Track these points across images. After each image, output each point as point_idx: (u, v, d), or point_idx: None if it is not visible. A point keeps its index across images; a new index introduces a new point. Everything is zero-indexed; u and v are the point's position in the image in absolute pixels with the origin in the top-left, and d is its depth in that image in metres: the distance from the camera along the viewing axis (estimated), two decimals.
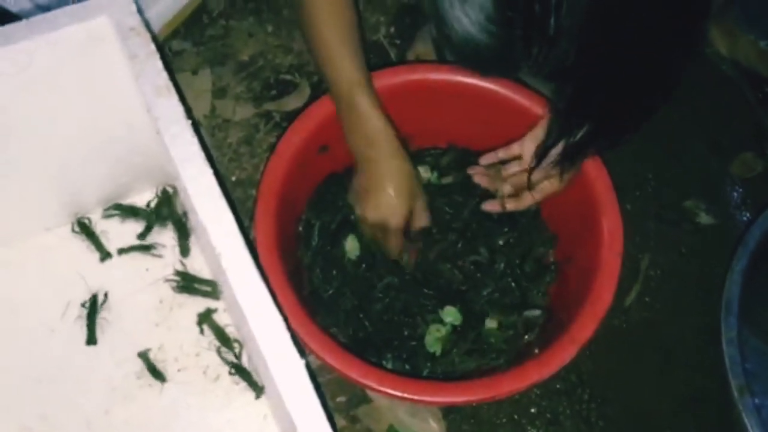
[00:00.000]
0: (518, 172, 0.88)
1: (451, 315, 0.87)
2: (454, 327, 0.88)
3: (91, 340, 0.86)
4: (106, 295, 0.88)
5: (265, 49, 1.08)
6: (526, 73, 0.58)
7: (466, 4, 0.54)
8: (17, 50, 0.66)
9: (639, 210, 1.01)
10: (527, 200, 0.88)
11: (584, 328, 0.79)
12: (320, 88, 1.06)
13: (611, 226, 0.84)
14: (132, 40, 0.67)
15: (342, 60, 0.80)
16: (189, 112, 0.64)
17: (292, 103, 1.05)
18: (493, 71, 0.60)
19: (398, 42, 1.09)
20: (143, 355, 0.84)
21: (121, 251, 0.90)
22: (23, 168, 0.80)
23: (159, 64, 0.66)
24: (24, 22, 0.66)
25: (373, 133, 0.81)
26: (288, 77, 1.07)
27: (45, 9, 0.69)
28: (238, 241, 0.60)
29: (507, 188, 0.90)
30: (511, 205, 0.90)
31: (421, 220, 0.87)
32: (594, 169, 0.86)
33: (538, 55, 0.53)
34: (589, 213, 0.86)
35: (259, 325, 0.58)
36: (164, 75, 0.66)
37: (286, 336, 0.57)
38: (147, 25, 0.68)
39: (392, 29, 1.10)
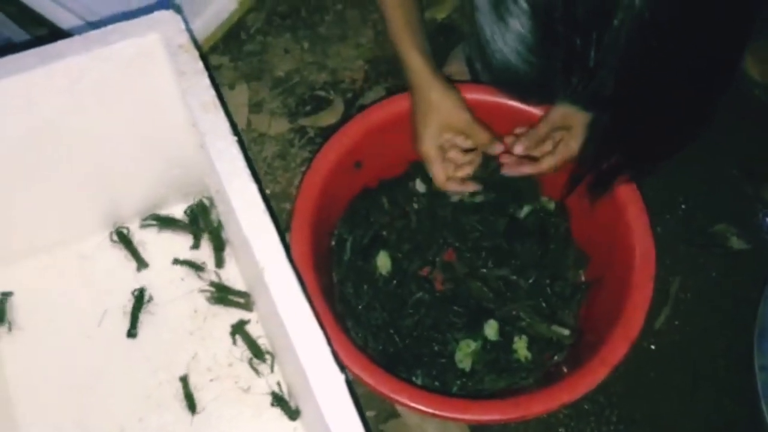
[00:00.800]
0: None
1: (493, 329, 0.88)
2: (484, 344, 0.88)
3: (132, 332, 0.88)
4: (149, 295, 0.91)
5: (300, 66, 1.10)
6: (562, 101, 0.59)
7: (506, 35, 0.55)
8: (70, 65, 0.68)
9: (669, 233, 1.01)
10: (546, 163, 0.85)
11: (615, 350, 0.79)
12: (354, 104, 1.08)
13: (644, 248, 0.85)
14: (180, 57, 0.69)
15: (404, 38, 0.85)
16: (234, 128, 0.66)
17: (326, 119, 1.07)
18: (532, 98, 0.61)
19: None
20: (183, 380, 0.85)
21: (176, 262, 0.92)
22: (67, 177, 0.82)
23: (206, 81, 0.68)
24: (77, 37, 0.69)
25: (419, 79, 0.83)
26: (322, 93, 1.08)
27: (95, 26, 0.71)
28: (281, 255, 0.61)
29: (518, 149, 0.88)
30: (528, 169, 0.87)
31: (478, 137, 0.86)
32: (627, 191, 0.87)
33: (577, 84, 0.55)
34: (622, 235, 0.87)
35: (301, 340, 0.59)
36: (211, 92, 0.67)
37: (327, 351, 0.58)
38: (195, 42, 0.70)
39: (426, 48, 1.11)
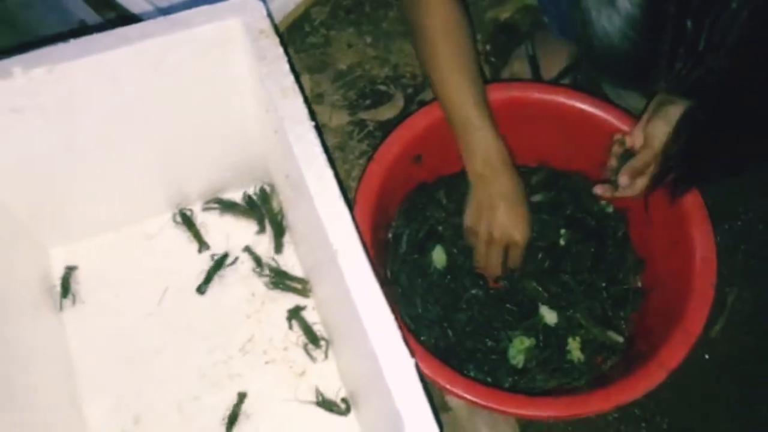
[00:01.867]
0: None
1: (552, 315, 0.89)
2: (537, 342, 0.88)
3: (202, 289, 0.91)
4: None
5: (362, 60, 1.11)
6: (661, 88, 0.57)
7: (613, 15, 0.54)
8: (155, 46, 0.70)
9: (728, 243, 1.01)
10: (639, 186, 0.84)
11: (674, 354, 0.79)
12: (414, 99, 1.08)
13: (705, 255, 0.84)
14: (261, 42, 0.70)
15: (457, 83, 0.82)
16: (312, 114, 0.67)
17: (385, 113, 1.08)
18: (630, 82, 0.60)
19: (493, 60, 1.11)
20: (241, 397, 0.86)
21: (247, 250, 0.94)
22: (138, 157, 0.84)
23: (286, 66, 0.69)
24: (162, 19, 0.70)
25: (490, 153, 0.82)
26: (383, 88, 1.10)
27: (164, 12, 0.73)
28: (355, 239, 0.62)
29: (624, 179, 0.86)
30: (622, 192, 0.86)
31: (515, 260, 0.87)
32: (689, 197, 0.86)
33: (681, 69, 0.53)
34: (683, 241, 0.86)
35: (373, 323, 0.59)
36: (291, 77, 0.69)
37: (398, 335, 0.59)
38: (275, 28, 0.71)
39: (488, 47, 1.12)
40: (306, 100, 0.68)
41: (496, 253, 0.86)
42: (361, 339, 0.61)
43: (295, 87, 0.68)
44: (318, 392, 0.85)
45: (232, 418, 0.84)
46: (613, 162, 0.86)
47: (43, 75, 0.68)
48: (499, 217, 0.83)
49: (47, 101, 0.71)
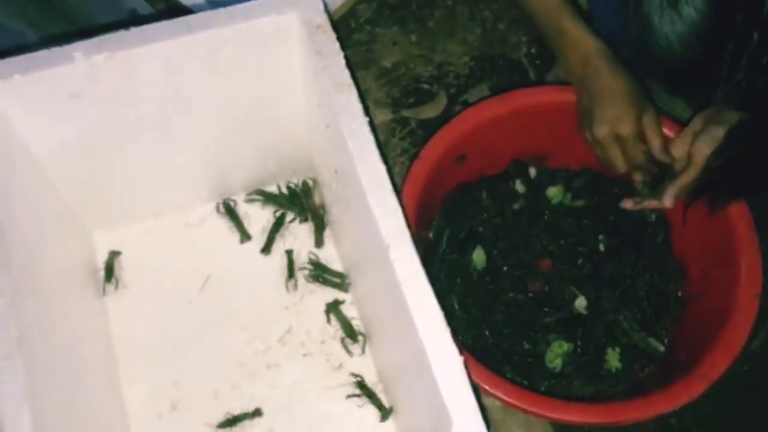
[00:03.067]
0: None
1: (582, 303, 0.89)
2: (575, 348, 0.88)
3: (266, 249, 0.94)
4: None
5: (407, 58, 1.11)
6: (718, 98, 0.57)
7: (676, 22, 0.53)
8: (213, 36, 0.71)
9: None
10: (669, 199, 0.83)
11: (716, 365, 0.79)
12: (457, 99, 1.08)
13: (750, 265, 0.83)
14: (318, 36, 0.71)
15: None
16: (367, 110, 0.67)
17: (428, 112, 1.08)
18: (687, 90, 0.59)
19: (538, 62, 1.11)
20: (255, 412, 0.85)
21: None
22: (185, 146, 0.85)
23: (342, 61, 0.70)
24: (222, 10, 0.71)
25: (587, 51, 0.81)
26: (426, 87, 1.10)
27: (215, 5, 0.73)
28: (407, 237, 0.63)
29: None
30: (652, 204, 0.86)
31: (655, 137, 0.82)
32: (734, 207, 0.85)
33: (742, 80, 0.53)
34: (726, 250, 0.85)
35: (423, 318, 0.60)
36: (347, 72, 0.69)
37: (448, 331, 0.59)
38: (332, 23, 0.71)
39: (533, 49, 1.12)
40: (361, 96, 0.68)
41: (633, 147, 0.83)
42: (409, 334, 0.61)
43: (351, 83, 0.68)
44: (361, 382, 0.86)
45: (232, 422, 0.84)
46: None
47: (103, 61, 0.69)
48: (615, 111, 0.80)
49: (105, 87, 0.72)
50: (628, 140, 0.82)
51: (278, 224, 0.94)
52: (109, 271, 0.91)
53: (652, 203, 0.87)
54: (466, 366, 0.59)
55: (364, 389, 0.85)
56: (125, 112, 0.76)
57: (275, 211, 0.96)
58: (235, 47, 0.72)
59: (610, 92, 0.80)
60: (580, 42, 0.82)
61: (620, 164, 0.85)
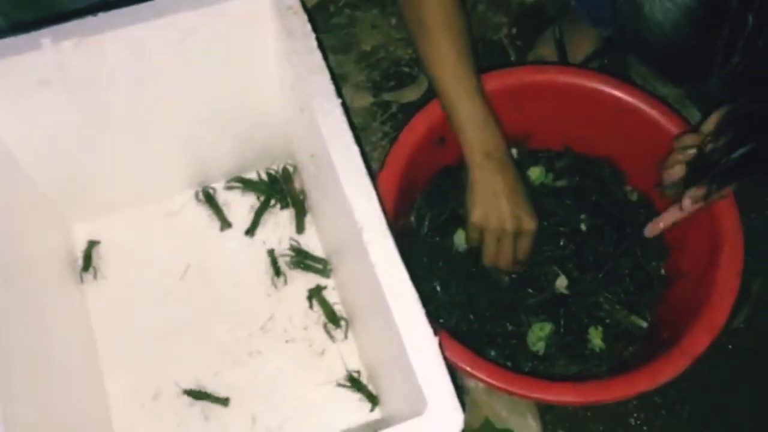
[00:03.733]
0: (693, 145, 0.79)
1: (563, 283, 0.89)
2: (557, 329, 0.88)
3: (251, 231, 0.94)
4: None
5: (387, 41, 1.10)
6: (712, 83, 0.56)
7: (669, 5, 0.52)
8: (183, 19, 0.70)
9: (754, 232, 0.99)
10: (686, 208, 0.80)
11: (697, 342, 0.78)
12: None
13: (732, 242, 0.83)
14: (289, 18, 0.70)
15: (457, 77, 0.80)
16: (339, 92, 0.67)
17: (409, 95, 1.07)
18: (682, 77, 0.58)
19: (519, 43, 1.10)
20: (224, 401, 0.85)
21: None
22: (161, 133, 0.84)
23: (314, 43, 0.69)
24: None
25: (489, 146, 0.80)
26: (407, 69, 1.09)
27: None
28: (380, 218, 0.62)
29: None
30: (671, 218, 0.85)
31: (526, 243, 0.85)
32: None
33: (737, 65, 0.52)
34: (709, 228, 0.85)
35: (397, 300, 0.59)
36: (319, 54, 0.68)
37: (422, 313, 0.59)
38: (304, 5, 0.71)
39: (514, 30, 1.11)
40: (333, 78, 0.67)
41: (508, 245, 0.84)
42: (385, 317, 0.61)
43: (323, 64, 0.68)
44: (351, 376, 0.85)
45: (199, 395, 0.85)
46: (676, 172, 0.79)
47: (72, 47, 0.68)
48: (507, 208, 0.81)
49: (75, 74, 0.71)
50: (508, 240, 0.83)
51: (264, 206, 0.94)
52: (87, 260, 0.90)
53: (668, 219, 0.85)
54: (441, 347, 0.58)
55: (354, 382, 0.84)
56: (97, 98, 0.75)
57: (258, 196, 0.95)
58: (205, 31, 0.72)
59: (510, 195, 0.81)
60: (486, 133, 0.80)
61: (490, 256, 0.85)
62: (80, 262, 0.90)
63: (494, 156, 0.81)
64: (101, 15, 0.69)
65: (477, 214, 0.83)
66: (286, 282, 0.91)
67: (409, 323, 0.59)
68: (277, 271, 0.91)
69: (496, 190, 0.82)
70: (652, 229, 0.87)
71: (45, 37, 0.68)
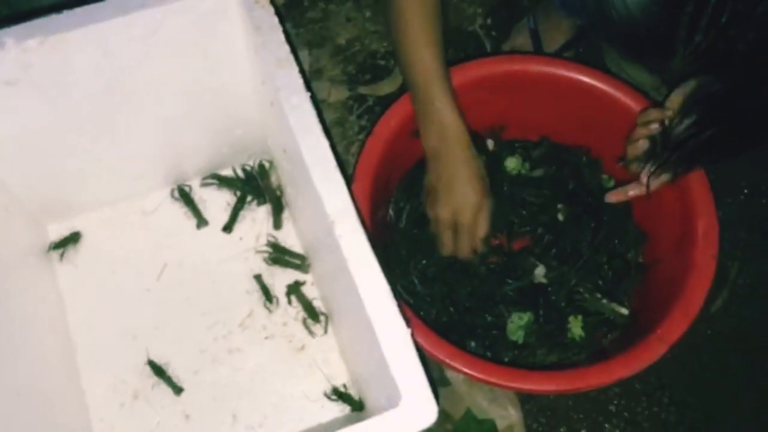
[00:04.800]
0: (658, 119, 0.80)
1: (540, 272, 0.89)
2: (536, 318, 0.88)
3: (228, 227, 0.93)
4: None
5: (361, 34, 1.10)
6: (676, 63, 0.55)
7: None
8: (148, 16, 0.69)
9: (730, 218, 1.00)
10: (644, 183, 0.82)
11: (674, 327, 0.79)
12: None
13: (707, 227, 0.83)
14: (256, 12, 0.69)
15: (423, 50, 0.79)
16: (308, 85, 0.66)
17: (385, 87, 1.07)
18: (645, 56, 0.58)
19: (494, 33, 1.10)
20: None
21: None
22: (134, 132, 0.83)
23: (281, 36, 0.68)
24: None
25: (446, 127, 0.80)
26: (383, 62, 1.08)
27: None
28: (351, 210, 0.62)
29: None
30: (634, 192, 0.86)
31: (482, 228, 0.84)
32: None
33: (701, 43, 0.51)
34: (684, 213, 0.85)
35: (369, 293, 0.59)
36: (286, 47, 0.68)
37: (394, 305, 0.59)
38: None
39: (489, 20, 1.11)
40: (302, 71, 0.67)
41: (466, 237, 0.84)
42: (358, 311, 0.61)
43: (291, 57, 0.67)
44: (334, 388, 0.85)
45: (158, 370, 0.85)
46: (639, 146, 0.80)
47: (36, 46, 0.67)
48: (459, 198, 0.81)
49: (40, 73, 0.70)
50: (463, 229, 0.83)
51: (241, 202, 0.93)
52: (63, 243, 0.90)
53: (630, 192, 0.86)
54: (414, 338, 0.58)
55: (338, 393, 0.84)
56: (65, 98, 0.74)
57: (235, 193, 0.95)
58: (172, 26, 0.71)
59: (460, 180, 0.80)
60: (445, 118, 0.79)
61: (448, 248, 0.86)
62: (56, 255, 0.90)
63: (449, 139, 0.80)
64: (66, 13, 0.68)
65: (431, 207, 0.83)
66: (278, 303, 0.90)
67: (382, 316, 0.58)
68: (269, 297, 0.89)
69: (448, 177, 0.81)
70: (614, 196, 0.87)
71: (8, 36, 0.67)
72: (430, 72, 0.79)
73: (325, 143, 0.64)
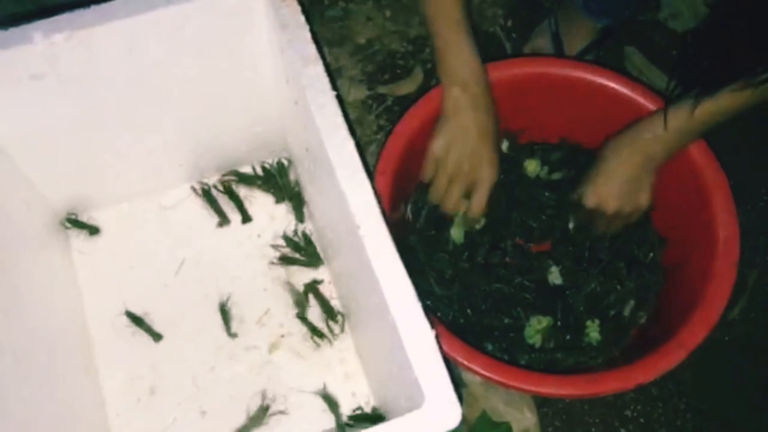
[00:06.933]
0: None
1: (555, 273, 0.90)
2: (554, 323, 0.88)
3: (247, 218, 0.93)
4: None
5: (381, 34, 1.10)
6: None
7: None
8: (176, 12, 0.69)
9: (750, 224, 0.99)
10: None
11: (694, 334, 0.78)
12: (433, 74, 1.07)
13: (728, 234, 0.83)
14: (283, 10, 0.69)
15: (450, 13, 0.78)
16: (334, 84, 0.66)
17: (404, 87, 1.07)
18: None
19: (514, 35, 1.10)
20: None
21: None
22: (155, 127, 0.84)
23: (308, 34, 0.68)
24: None
25: (470, 80, 0.79)
26: (402, 62, 1.08)
27: None
28: (376, 212, 0.62)
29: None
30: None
31: (480, 202, 0.83)
32: (712, 175, 0.85)
33: None
34: (705, 220, 0.85)
35: (394, 295, 0.59)
36: (313, 46, 0.68)
37: (419, 307, 0.59)
38: None
39: (509, 22, 1.10)
40: (328, 70, 0.67)
41: (458, 189, 0.83)
42: (381, 311, 0.61)
43: (317, 56, 0.67)
44: (358, 414, 0.83)
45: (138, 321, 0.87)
46: None
47: (63, 41, 0.68)
48: (471, 149, 0.80)
49: (67, 68, 0.70)
50: (484, 186, 0.82)
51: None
52: (80, 226, 0.91)
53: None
54: (438, 340, 0.58)
55: (360, 419, 0.82)
56: (90, 92, 0.74)
57: (252, 190, 0.95)
58: (199, 23, 0.71)
59: (482, 132, 0.80)
60: (469, 66, 0.79)
61: (436, 192, 0.85)
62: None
63: (471, 89, 0.79)
64: (94, 8, 0.68)
65: (438, 143, 0.82)
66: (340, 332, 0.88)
67: (406, 317, 0.58)
68: (318, 333, 0.87)
69: (464, 125, 0.80)
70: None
71: (36, 30, 0.67)
72: (456, 27, 0.78)
73: (350, 143, 0.64)
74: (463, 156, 0.81)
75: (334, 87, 0.66)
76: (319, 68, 0.67)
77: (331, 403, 0.83)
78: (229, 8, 0.71)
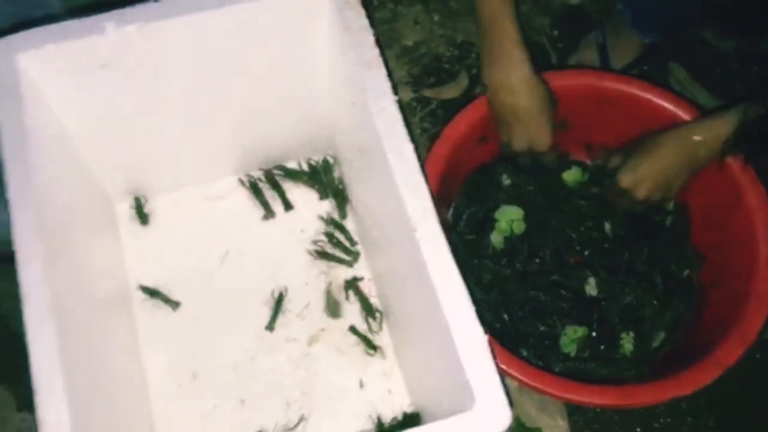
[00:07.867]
0: None
1: (592, 285, 0.91)
2: (589, 333, 0.89)
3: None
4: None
5: (428, 37, 1.11)
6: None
7: None
8: (243, 9, 0.71)
9: None
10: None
11: (731, 351, 0.79)
12: (478, 80, 1.08)
13: None
14: (347, 12, 0.71)
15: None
16: (395, 88, 0.67)
17: (449, 92, 1.08)
18: (742, 27, 0.59)
19: (560, 46, 1.11)
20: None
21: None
22: (209, 119, 0.85)
23: (371, 38, 0.70)
24: None
25: (510, 50, 0.85)
26: (448, 66, 1.10)
27: None
28: (433, 215, 0.63)
29: None
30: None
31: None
32: (754, 194, 0.86)
33: None
34: (746, 239, 0.86)
35: (448, 299, 0.60)
36: (376, 49, 0.69)
37: (472, 311, 0.60)
38: (362, 0, 0.71)
39: (555, 32, 1.11)
40: (389, 75, 0.68)
41: (523, 127, 0.88)
42: (433, 313, 0.62)
43: (380, 60, 0.69)
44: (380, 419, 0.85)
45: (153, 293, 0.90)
46: None
47: (134, 32, 0.70)
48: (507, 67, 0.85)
49: (135, 59, 0.72)
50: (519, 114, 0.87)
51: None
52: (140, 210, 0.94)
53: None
54: (491, 346, 0.59)
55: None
56: (154, 84, 0.76)
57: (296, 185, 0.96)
58: (264, 21, 0.73)
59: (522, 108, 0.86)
60: (510, 46, 0.86)
61: (504, 135, 0.90)
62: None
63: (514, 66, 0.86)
64: (165, 1, 0.70)
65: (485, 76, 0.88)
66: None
67: (459, 319, 0.60)
68: (372, 346, 0.88)
69: (514, 109, 0.85)
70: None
71: (109, 20, 0.69)
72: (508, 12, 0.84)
73: (410, 147, 0.66)
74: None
75: (395, 92, 0.68)
76: (381, 72, 0.68)
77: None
78: (295, 8, 0.73)
